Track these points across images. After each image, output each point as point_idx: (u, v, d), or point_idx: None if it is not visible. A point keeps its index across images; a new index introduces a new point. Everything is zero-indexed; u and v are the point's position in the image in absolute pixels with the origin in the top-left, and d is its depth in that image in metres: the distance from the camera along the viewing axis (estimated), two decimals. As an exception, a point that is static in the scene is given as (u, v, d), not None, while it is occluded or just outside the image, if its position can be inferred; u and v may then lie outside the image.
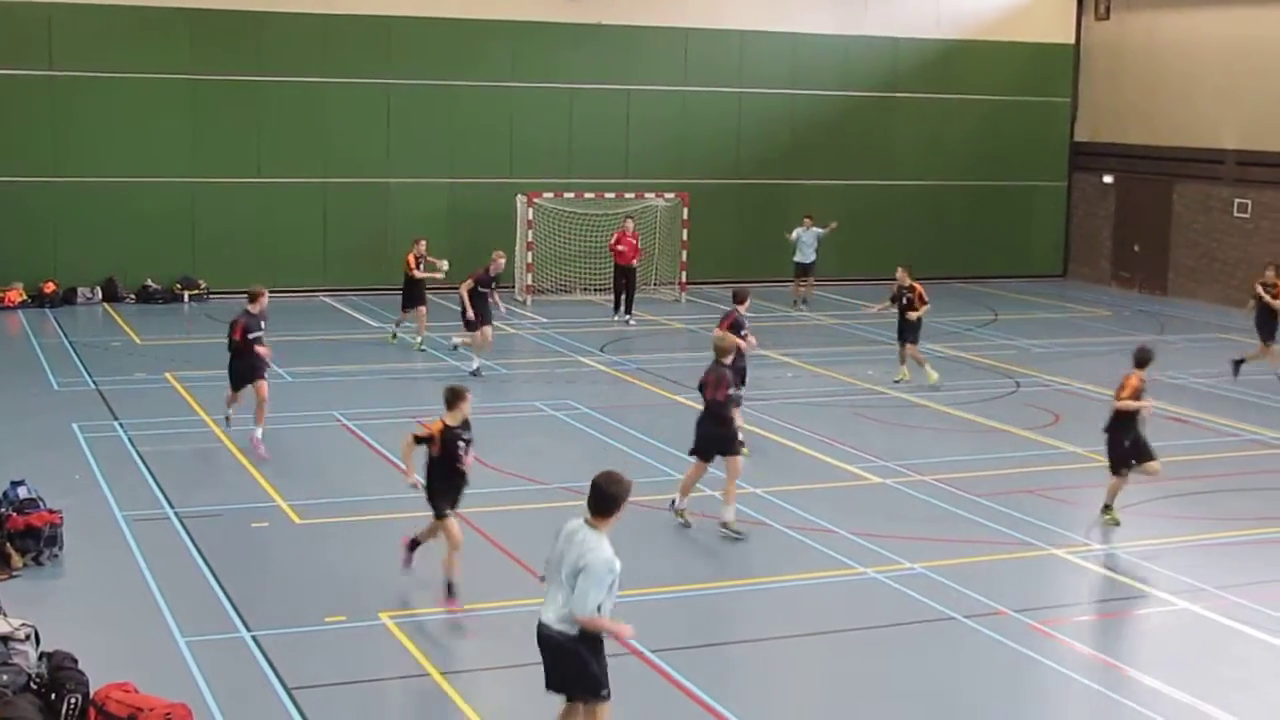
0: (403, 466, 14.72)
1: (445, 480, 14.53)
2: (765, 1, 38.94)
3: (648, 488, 19.04)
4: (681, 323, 32.97)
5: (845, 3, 39.58)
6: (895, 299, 26.15)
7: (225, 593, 14.84)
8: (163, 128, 34.46)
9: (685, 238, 37.11)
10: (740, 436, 20.68)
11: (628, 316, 32.59)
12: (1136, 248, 40.92)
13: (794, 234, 35.57)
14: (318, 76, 35.41)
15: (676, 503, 17.60)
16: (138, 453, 20.30)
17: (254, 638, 13.65)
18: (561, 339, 30.12)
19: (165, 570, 15.52)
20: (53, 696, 11.46)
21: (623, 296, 32.88)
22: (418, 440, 14.42)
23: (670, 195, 37.21)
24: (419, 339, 28.52)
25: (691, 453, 17.63)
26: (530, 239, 35.64)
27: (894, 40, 40.15)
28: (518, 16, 36.74)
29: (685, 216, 37.07)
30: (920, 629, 14.46)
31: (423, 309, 28.44)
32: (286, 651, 13.35)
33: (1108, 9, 41.67)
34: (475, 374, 25.55)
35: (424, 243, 28.85)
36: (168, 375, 25.49)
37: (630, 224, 33.54)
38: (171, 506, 17.82)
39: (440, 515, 14.55)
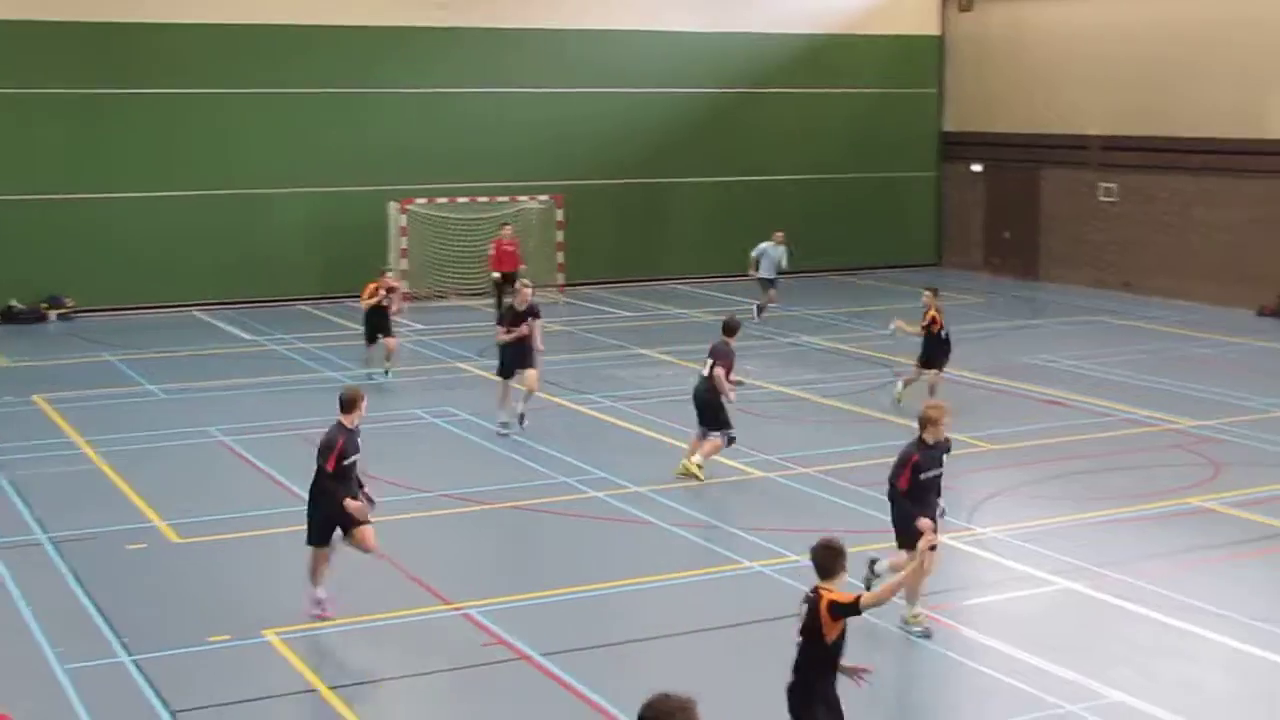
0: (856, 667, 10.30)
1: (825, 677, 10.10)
2: (638, 1, 38.95)
3: (529, 492, 18.96)
4: (560, 325, 32.86)
5: (716, 0, 39.69)
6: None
7: (104, 616, 14.53)
8: (32, 143, 33.74)
9: (562, 239, 37.08)
10: (698, 459, 19.59)
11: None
12: (1007, 234, 41.41)
13: (758, 250, 33.06)
14: (188, 89, 34.85)
15: (908, 609, 14.12)
16: (6, 478, 19.83)
17: (135, 661, 13.37)
18: (439, 345, 29.92)
19: (40, 596, 15.16)
20: (-74, 731, 11.15)
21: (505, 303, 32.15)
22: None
23: (544, 197, 37.11)
24: (386, 366, 26.18)
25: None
26: (405, 246, 35.36)
27: (765, 36, 40.32)
28: (391, 22, 36.41)
29: (561, 218, 37.03)
30: (808, 621, 14.47)
31: (391, 340, 26.16)
32: (169, 674, 13.09)
33: (970, 1, 42.13)
34: (503, 430, 22.04)
35: (390, 274, 27.23)
36: (36, 398, 24.93)
37: (508, 230, 33.01)
38: (44, 531, 17.43)
39: None
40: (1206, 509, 18.25)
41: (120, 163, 34.48)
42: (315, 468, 14.16)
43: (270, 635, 13.97)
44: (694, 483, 19.34)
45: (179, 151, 34.96)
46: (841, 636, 9.99)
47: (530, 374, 22.01)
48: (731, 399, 19.47)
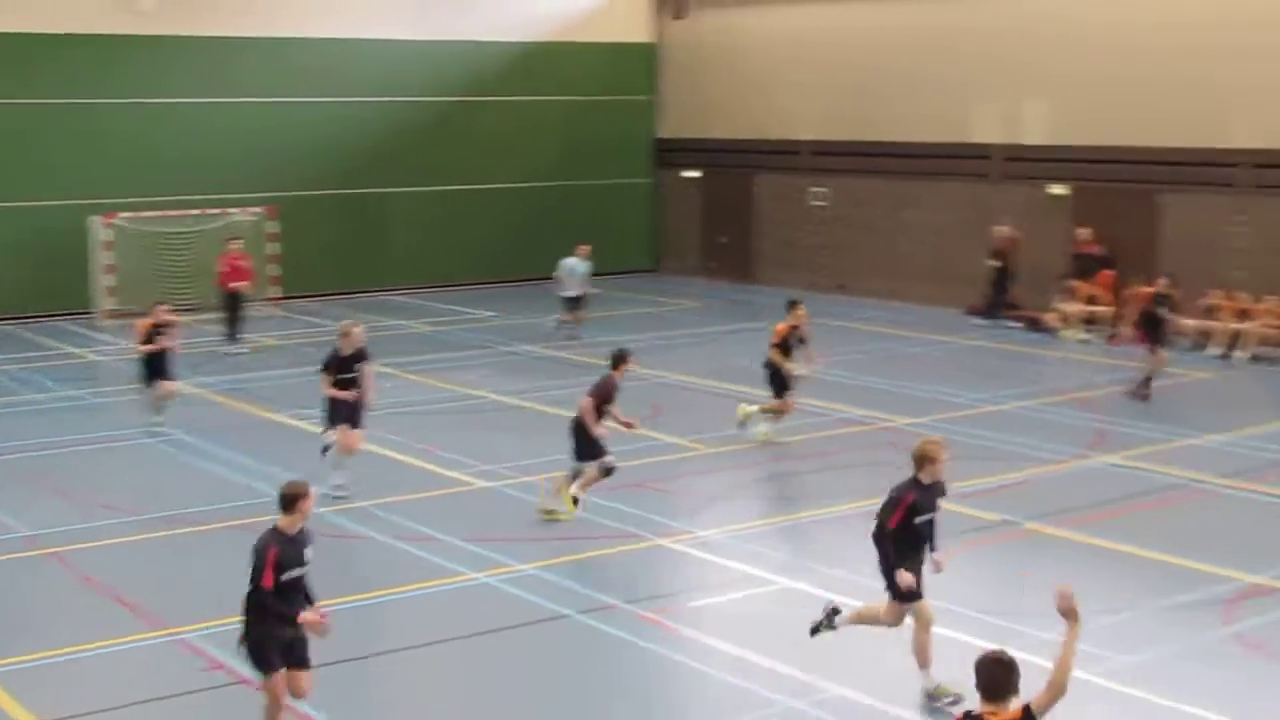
0: None
1: None
2: (353, 9, 38.36)
3: (245, 511, 18.49)
4: (275, 339, 32.20)
5: (432, 7, 39.37)
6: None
7: None
8: None
9: (278, 251, 36.40)
10: (574, 490, 17.98)
11: (234, 347, 30.59)
12: (724, 239, 41.99)
13: (565, 266, 31.97)
14: None
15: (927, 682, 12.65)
16: None
17: None
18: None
19: None
20: None
21: (236, 321, 30.77)
22: None
23: (257, 209, 36.36)
24: (160, 419, 23.23)
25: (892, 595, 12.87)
26: (110, 262, 34.27)
27: (481, 44, 40.15)
28: (89, 29, 35.16)
29: (276, 229, 36.35)
30: (535, 630, 14.41)
31: (171, 385, 23.39)
32: None
33: (684, 8, 42.62)
34: (337, 492, 19.00)
35: (164, 307, 24.14)
36: None
37: (237, 245, 31.50)
38: None
39: None
40: (920, 504, 18.66)
41: None
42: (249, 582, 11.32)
43: (-27, 670, 13.36)
44: (408, 498, 19.09)
45: None
46: None
47: (354, 433, 19.22)
48: (596, 433, 17.75)
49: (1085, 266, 32.64)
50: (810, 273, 39.27)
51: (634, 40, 42.90)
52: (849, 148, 38.28)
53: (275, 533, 11.35)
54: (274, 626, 11.27)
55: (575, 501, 17.95)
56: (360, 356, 19.33)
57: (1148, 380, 25.07)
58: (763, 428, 22.05)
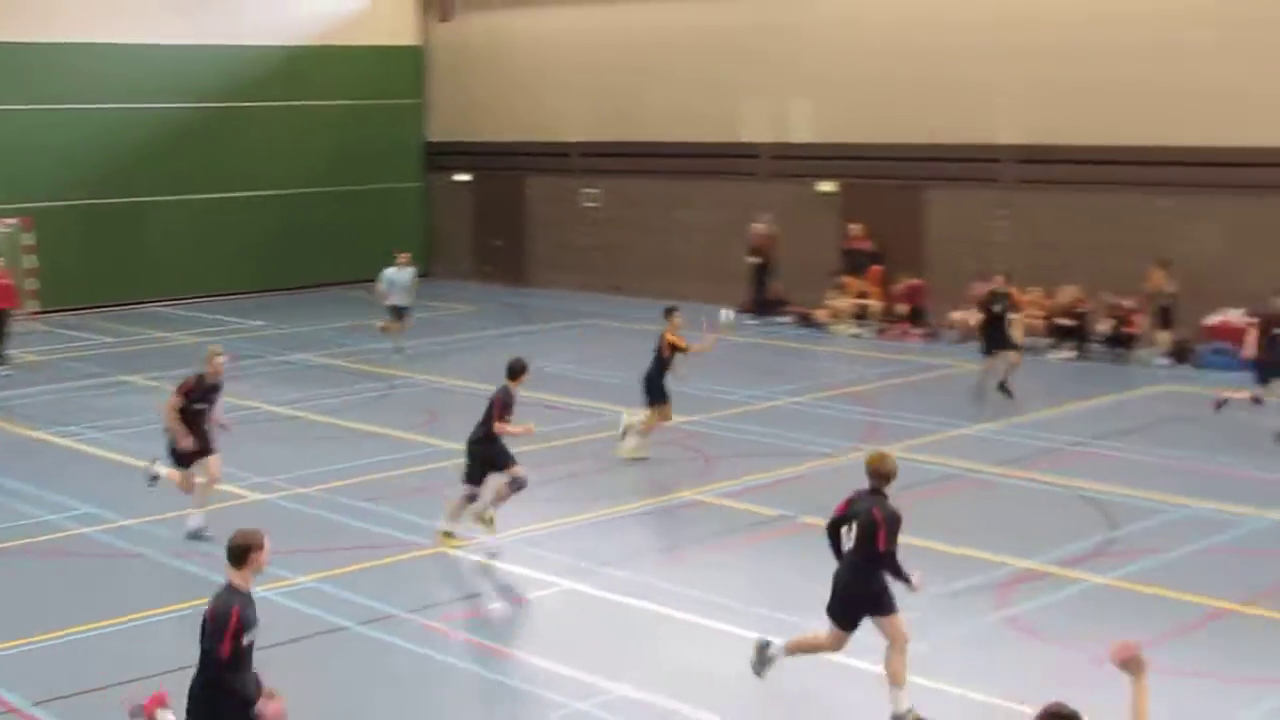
0: None
1: None
2: (109, 12, 37.21)
3: (8, 533, 17.88)
4: (37, 355, 31.13)
5: (193, 11, 38.41)
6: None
7: None
8: None
9: (34, 264, 35.24)
10: (490, 512, 17.23)
11: (3, 368, 29.55)
12: (499, 242, 41.82)
13: (385, 278, 30.23)
14: None
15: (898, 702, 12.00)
16: None
17: None
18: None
19: None
20: None
21: (2, 339, 29.29)
22: None
23: (11, 220, 35.16)
24: None
25: (830, 614, 12.37)
26: None
27: (243, 48, 39.33)
28: None
29: (32, 241, 35.19)
30: (314, 643, 14.12)
31: None
32: None
33: (450, 10, 42.35)
34: (197, 536, 17.47)
35: None
36: None
37: None
38: None
39: None
40: (699, 501, 18.80)
41: None
42: (200, 651, 9.87)
43: None
44: (180, 514, 18.61)
45: None
46: None
47: (212, 461, 17.84)
48: (517, 432, 17.14)
49: (856, 262, 33.23)
50: (585, 274, 39.31)
51: (400, 43, 42.51)
52: (619, 148, 38.41)
53: (233, 591, 9.76)
54: (224, 707, 9.66)
55: (490, 520, 17.17)
56: (218, 388, 18.03)
57: (1005, 378, 24.71)
58: (630, 442, 21.34)
